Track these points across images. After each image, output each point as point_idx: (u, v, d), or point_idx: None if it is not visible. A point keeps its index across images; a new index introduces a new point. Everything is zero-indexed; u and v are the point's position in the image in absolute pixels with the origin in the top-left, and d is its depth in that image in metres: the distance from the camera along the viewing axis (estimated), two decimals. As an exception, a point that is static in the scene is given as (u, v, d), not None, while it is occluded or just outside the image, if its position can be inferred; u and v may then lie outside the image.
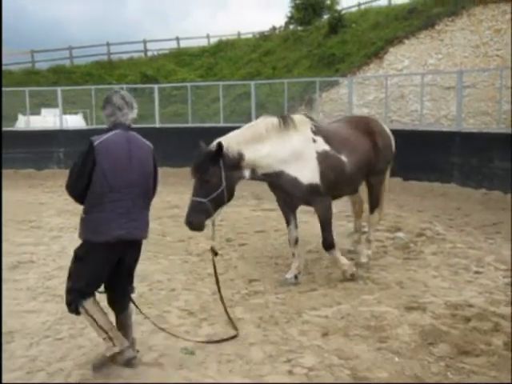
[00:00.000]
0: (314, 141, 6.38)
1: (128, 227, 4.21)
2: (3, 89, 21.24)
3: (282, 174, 6.14)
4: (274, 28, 32.03)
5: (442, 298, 5.91)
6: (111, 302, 4.57)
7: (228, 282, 6.60)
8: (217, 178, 5.67)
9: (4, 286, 6.55)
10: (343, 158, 6.59)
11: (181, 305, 5.85)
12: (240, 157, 5.86)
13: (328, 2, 30.87)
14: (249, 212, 10.90)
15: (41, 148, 18.44)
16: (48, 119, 19.97)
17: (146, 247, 8.10)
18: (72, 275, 4.33)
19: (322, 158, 6.33)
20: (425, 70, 19.48)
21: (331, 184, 6.41)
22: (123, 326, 4.52)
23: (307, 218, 9.10)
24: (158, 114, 19.11)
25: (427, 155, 13.47)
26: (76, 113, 21.77)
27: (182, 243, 8.54)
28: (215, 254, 5.57)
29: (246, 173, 6.05)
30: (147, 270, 7.08)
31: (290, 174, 6.14)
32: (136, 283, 6.43)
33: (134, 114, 4.41)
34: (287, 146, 6.13)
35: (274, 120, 6.18)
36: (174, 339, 4.96)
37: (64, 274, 6.85)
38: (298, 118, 6.47)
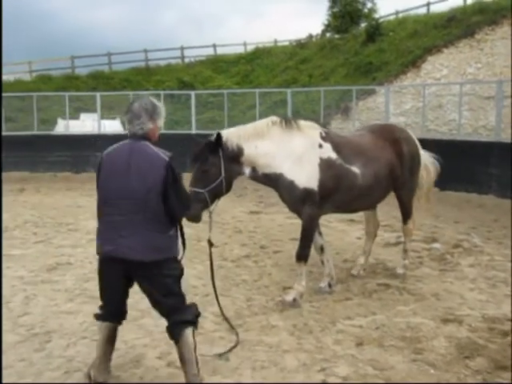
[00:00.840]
0: (321, 146, 6.11)
1: (117, 244, 3.88)
2: (44, 93, 21.75)
3: (280, 177, 5.97)
4: (310, 36, 32.08)
5: (479, 311, 5.82)
6: (168, 330, 4.22)
7: (262, 289, 6.62)
8: (216, 168, 5.63)
9: (42, 287, 6.70)
10: (354, 168, 6.27)
11: (215, 310, 5.87)
12: (239, 151, 5.81)
13: (365, 11, 30.79)
14: (283, 219, 10.89)
15: (79, 152, 18.77)
16: (86, 124, 20.32)
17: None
18: None
19: (326, 165, 6.05)
20: (463, 79, 19.25)
21: (331, 195, 6.13)
22: (180, 359, 4.14)
23: (344, 227, 9.07)
24: (195, 120, 19.28)
25: (465, 165, 13.28)
26: (114, 118, 22.10)
27: (216, 249, 8.56)
28: (211, 244, 5.55)
29: (246, 170, 5.97)
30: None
31: (287, 177, 5.94)
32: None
33: (154, 123, 4.07)
34: (287, 147, 5.96)
35: (277, 119, 6.08)
36: (208, 344, 5.00)
37: (101, 277, 7.03)
38: (304, 122, 6.25)
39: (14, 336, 5.19)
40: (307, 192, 5.95)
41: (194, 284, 6.83)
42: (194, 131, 19.07)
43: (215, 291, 5.53)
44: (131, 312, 5.79)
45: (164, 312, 4.15)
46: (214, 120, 21.15)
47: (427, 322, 5.54)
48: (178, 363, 4.61)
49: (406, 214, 7.46)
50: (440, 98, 18.72)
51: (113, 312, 4.27)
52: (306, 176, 5.95)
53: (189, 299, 6.21)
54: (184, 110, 20.86)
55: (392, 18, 29.00)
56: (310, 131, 6.14)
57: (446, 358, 4.72)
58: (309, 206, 6.02)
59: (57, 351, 4.91)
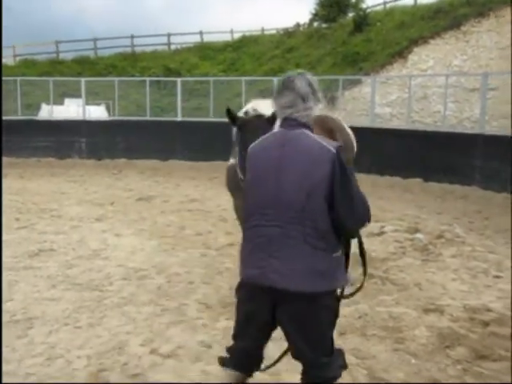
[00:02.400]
0: None
1: (264, 266, 2.89)
2: (27, 78, 21.53)
3: None
4: (298, 25, 31.99)
5: (460, 301, 5.87)
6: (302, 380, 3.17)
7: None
8: None
9: (24, 273, 6.65)
10: None
11: (199, 298, 5.88)
12: None
13: (353, 0, 30.75)
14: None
15: (63, 137, 18.63)
16: (71, 109, 20.15)
17: (165, 240, 8.27)
18: None
19: None
20: (449, 71, 19.33)
21: None
22: None
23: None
24: (180, 107, 19.20)
25: (449, 157, 13.38)
26: (99, 104, 21.94)
27: (200, 237, 8.58)
28: None
29: None
30: (165, 262, 7.14)
31: None
32: (155, 276, 6.60)
33: (317, 107, 3.11)
34: None
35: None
36: (191, 331, 5.01)
37: (84, 264, 7.02)
38: None
39: (-5, 322, 5.16)
40: None
41: (177, 271, 6.82)
42: (179, 118, 19.00)
43: None
44: (114, 299, 5.82)
45: (307, 364, 3.08)
46: (200, 107, 21.06)
47: (409, 311, 5.58)
48: (161, 350, 4.63)
49: None
50: (425, 90, 18.80)
51: (247, 358, 3.24)
52: None
53: (171, 287, 6.28)
54: (170, 97, 20.75)
55: (380, 8, 29.00)
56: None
57: (428, 347, 4.76)
58: None
59: (39, 338, 4.88)
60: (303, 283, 2.84)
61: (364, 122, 17.65)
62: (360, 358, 4.56)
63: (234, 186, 5.40)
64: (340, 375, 3.12)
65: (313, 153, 2.91)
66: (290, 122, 3.03)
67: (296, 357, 3.12)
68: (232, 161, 5.64)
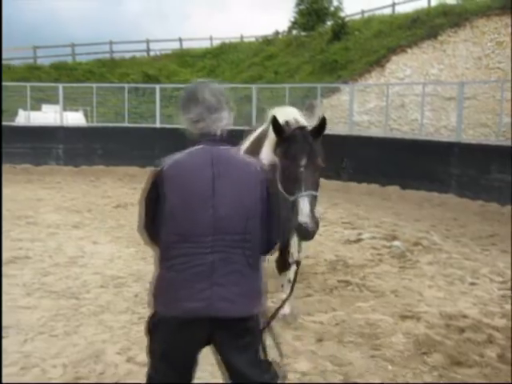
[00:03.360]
0: None
1: (209, 297, 2.65)
2: (4, 83, 21.27)
3: None
4: (277, 32, 32.13)
5: (436, 308, 5.92)
6: None
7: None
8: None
9: (-1, 281, 6.57)
10: None
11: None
12: None
13: (332, 9, 30.98)
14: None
15: (40, 144, 18.44)
16: (48, 115, 19.96)
17: (142, 247, 8.20)
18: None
19: None
20: (426, 79, 19.55)
21: None
22: None
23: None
24: (159, 114, 19.14)
25: (426, 165, 13.52)
26: (77, 110, 21.78)
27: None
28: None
29: None
30: (143, 270, 7.09)
31: None
32: (132, 284, 6.55)
33: (231, 117, 2.89)
34: None
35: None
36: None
37: (60, 271, 6.95)
38: None
39: (-32, 331, 5.08)
40: None
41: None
42: (158, 125, 18.95)
43: None
44: (90, 307, 5.76)
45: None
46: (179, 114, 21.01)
47: (386, 318, 5.61)
48: (138, 359, 4.60)
49: None
50: (403, 98, 18.98)
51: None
52: None
53: (149, 295, 6.22)
54: (148, 104, 20.67)
55: (358, 17, 29.24)
56: None
57: (404, 354, 4.79)
58: None
59: (13, 347, 4.81)
60: (249, 306, 2.74)
61: (342, 129, 17.77)
62: (336, 364, 4.58)
63: None
64: None
65: (244, 173, 2.78)
66: (209, 138, 2.81)
67: (235, 378, 2.86)
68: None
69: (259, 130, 5.52)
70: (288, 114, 5.00)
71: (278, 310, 3.33)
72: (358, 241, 8.85)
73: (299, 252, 5.39)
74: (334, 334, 5.22)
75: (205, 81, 2.97)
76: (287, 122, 4.63)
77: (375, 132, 18.05)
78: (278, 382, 2.91)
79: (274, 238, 2.89)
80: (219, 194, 2.69)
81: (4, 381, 4.20)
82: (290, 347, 4.88)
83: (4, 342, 4.91)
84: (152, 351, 2.82)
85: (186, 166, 2.77)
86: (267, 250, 2.92)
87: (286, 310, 5.55)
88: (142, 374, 4.32)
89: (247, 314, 2.73)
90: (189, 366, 2.84)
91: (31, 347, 4.82)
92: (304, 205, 4.24)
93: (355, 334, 5.22)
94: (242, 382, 2.80)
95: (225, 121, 2.83)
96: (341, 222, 10.46)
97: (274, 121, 4.51)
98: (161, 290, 2.77)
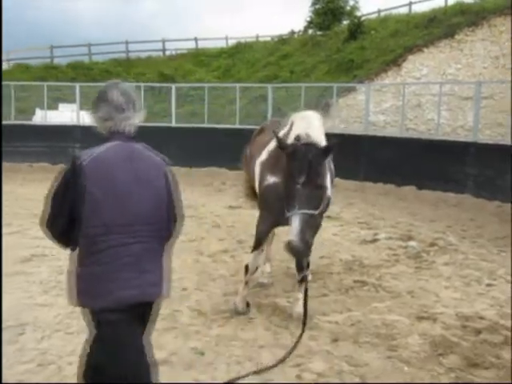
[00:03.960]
0: None
1: (140, 284, 2.88)
2: (22, 83, 21.47)
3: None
4: (292, 32, 32.08)
5: (453, 309, 5.88)
6: None
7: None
8: (327, 182, 4.55)
9: (17, 279, 6.62)
10: None
11: (192, 305, 5.87)
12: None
13: (348, 8, 30.89)
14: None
15: (57, 143, 18.56)
16: (65, 114, 20.09)
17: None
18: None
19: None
20: (443, 79, 19.42)
21: None
22: None
23: (322, 223, 9.09)
24: (175, 113, 19.19)
25: (442, 165, 13.41)
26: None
27: (193, 243, 8.56)
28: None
29: None
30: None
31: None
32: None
33: (140, 117, 3.12)
34: None
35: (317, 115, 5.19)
36: (183, 338, 4.99)
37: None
38: None
39: (-14, 328, 5.13)
40: (329, 201, 5.22)
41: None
42: (173, 124, 18.99)
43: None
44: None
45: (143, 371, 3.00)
46: (194, 113, 21.07)
47: (402, 319, 5.58)
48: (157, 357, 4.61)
49: None
50: (419, 98, 18.87)
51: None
52: (329, 182, 5.16)
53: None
54: (164, 103, 20.73)
55: (374, 16, 29.14)
56: None
57: (420, 355, 4.76)
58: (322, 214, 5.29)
59: (30, 344, 4.85)
60: (167, 287, 3.09)
61: (358, 129, 17.70)
62: (353, 365, 4.56)
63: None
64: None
65: (155, 167, 3.03)
66: (121, 135, 3.01)
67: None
68: (274, 179, 5.25)
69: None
70: (307, 121, 4.93)
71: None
72: (374, 241, 8.81)
73: (307, 268, 5.46)
74: (350, 334, 5.20)
75: (115, 81, 3.16)
76: (298, 137, 4.56)
77: (391, 132, 17.96)
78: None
79: (180, 226, 3.26)
80: (139, 187, 2.92)
81: (21, 377, 4.24)
82: (305, 347, 4.87)
83: (21, 338, 4.96)
84: (102, 340, 2.89)
85: (106, 160, 2.89)
86: (168, 237, 3.16)
87: (302, 309, 5.55)
88: (154, 373, 4.36)
89: (168, 295, 3.13)
90: (139, 351, 2.98)
91: (48, 344, 4.86)
92: (295, 223, 4.26)
93: (371, 334, 5.20)
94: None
95: (132, 119, 3.04)
96: (357, 221, 10.42)
97: (276, 136, 4.53)
98: (87, 285, 2.84)
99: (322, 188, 4.38)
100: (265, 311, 5.75)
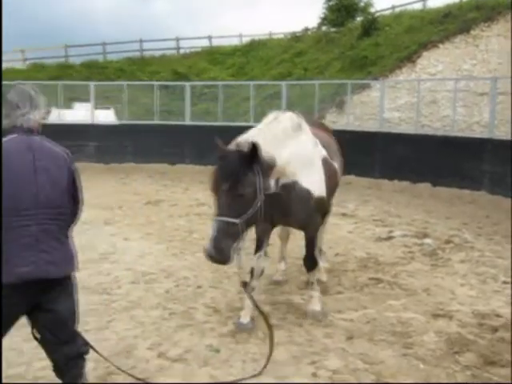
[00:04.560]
0: (317, 144, 5.40)
1: (35, 262, 3.18)
2: (37, 82, 21.62)
3: (295, 186, 5.02)
4: (306, 29, 31.98)
5: (469, 307, 5.85)
6: (54, 369, 3.62)
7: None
8: (254, 189, 4.37)
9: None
10: (335, 165, 5.75)
11: (207, 302, 5.89)
12: (273, 163, 4.63)
13: (362, 5, 30.72)
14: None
15: (71, 141, 18.64)
16: (80, 113, 20.22)
17: (173, 244, 8.28)
18: None
19: (325, 165, 5.39)
20: (458, 75, 19.28)
21: (330, 197, 5.55)
22: None
23: (335, 221, 9.09)
24: (189, 111, 19.24)
25: (458, 161, 13.32)
26: (107, 108, 22.00)
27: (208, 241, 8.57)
28: (245, 285, 4.69)
29: (272, 183, 4.75)
30: (174, 266, 7.15)
31: (302, 185, 5.04)
32: (163, 280, 6.61)
33: (39, 114, 3.41)
34: (303, 151, 5.06)
35: (293, 118, 5.13)
36: (199, 335, 5.01)
37: (92, 267, 7.03)
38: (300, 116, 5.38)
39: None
40: (319, 201, 5.23)
41: (185, 275, 6.84)
42: (187, 122, 19.04)
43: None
44: (122, 302, 5.82)
45: (61, 340, 3.46)
46: (208, 111, 21.11)
47: (418, 316, 5.56)
48: (169, 354, 4.64)
49: (328, 214, 6.60)
50: (434, 94, 18.74)
51: None
52: (319, 182, 5.23)
53: (180, 291, 6.28)
54: (178, 101, 20.77)
55: (388, 12, 28.96)
56: (306, 128, 5.35)
57: (436, 352, 4.74)
58: (316, 215, 5.37)
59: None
60: (68, 267, 3.39)
61: (373, 126, 17.63)
62: (368, 363, 4.55)
63: None
64: (88, 351, 3.64)
65: (56, 157, 3.35)
66: (19, 129, 3.32)
67: (47, 338, 3.45)
68: None
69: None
70: (263, 125, 4.98)
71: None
72: (389, 238, 8.78)
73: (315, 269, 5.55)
74: (365, 331, 5.19)
75: (18, 83, 3.73)
76: (237, 144, 4.53)
77: (406, 129, 17.86)
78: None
79: (77, 214, 3.55)
80: (39, 174, 3.23)
81: (39, 374, 4.29)
82: (320, 344, 4.87)
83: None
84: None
85: (8, 151, 3.21)
86: (69, 221, 3.48)
87: (317, 307, 5.55)
88: (173, 369, 4.39)
89: (67, 273, 3.41)
90: (10, 326, 3.42)
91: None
92: (211, 230, 4.29)
93: (386, 332, 5.18)
94: (63, 326, 3.44)
95: (28, 116, 3.33)
96: (372, 219, 10.38)
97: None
98: (3, 260, 3.15)
99: (243, 196, 4.30)
100: (280, 309, 5.75)
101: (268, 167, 4.54)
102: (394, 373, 4.38)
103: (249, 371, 4.36)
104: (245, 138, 4.65)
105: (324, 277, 6.51)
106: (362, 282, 6.66)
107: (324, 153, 5.48)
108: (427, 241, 8.64)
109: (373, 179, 14.97)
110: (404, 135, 15.80)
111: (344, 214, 10.56)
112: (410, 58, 20.77)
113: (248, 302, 5.31)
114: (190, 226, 9.65)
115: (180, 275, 6.84)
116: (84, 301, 5.83)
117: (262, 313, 4.39)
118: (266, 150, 4.52)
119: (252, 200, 4.36)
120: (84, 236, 8.72)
